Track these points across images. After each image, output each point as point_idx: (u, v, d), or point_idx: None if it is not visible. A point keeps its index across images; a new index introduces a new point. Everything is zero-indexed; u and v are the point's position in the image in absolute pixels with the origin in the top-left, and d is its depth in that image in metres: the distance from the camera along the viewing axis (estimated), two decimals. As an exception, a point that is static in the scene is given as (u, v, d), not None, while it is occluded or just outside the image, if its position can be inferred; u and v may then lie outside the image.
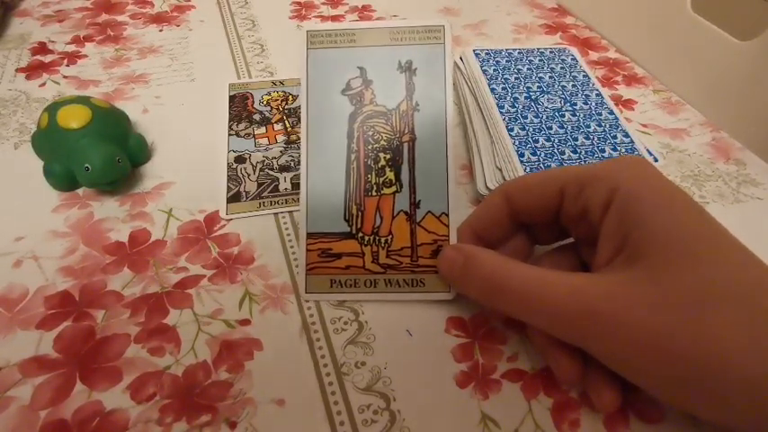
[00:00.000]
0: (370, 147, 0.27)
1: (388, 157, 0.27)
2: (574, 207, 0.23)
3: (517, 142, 0.32)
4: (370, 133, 0.27)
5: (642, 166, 0.22)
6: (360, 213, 0.27)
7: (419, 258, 0.26)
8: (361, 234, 0.27)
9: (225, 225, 0.30)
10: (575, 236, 0.25)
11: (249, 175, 0.33)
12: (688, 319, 0.18)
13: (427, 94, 0.27)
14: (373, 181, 0.27)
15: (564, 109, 0.35)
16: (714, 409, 0.18)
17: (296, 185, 0.32)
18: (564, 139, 0.33)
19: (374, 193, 0.27)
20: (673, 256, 0.19)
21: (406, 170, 0.27)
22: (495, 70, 0.38)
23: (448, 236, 0.26)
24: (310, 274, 0.27)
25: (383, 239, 0.27)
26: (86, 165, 0.29)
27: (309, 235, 0.27)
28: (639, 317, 0.18)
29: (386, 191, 0.27)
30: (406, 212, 0.27)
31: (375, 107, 0.28)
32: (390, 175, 0.27)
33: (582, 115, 0.34)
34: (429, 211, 0.27)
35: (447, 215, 0.26)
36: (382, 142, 0.27)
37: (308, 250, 0.27)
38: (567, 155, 0.32)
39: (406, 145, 0.27)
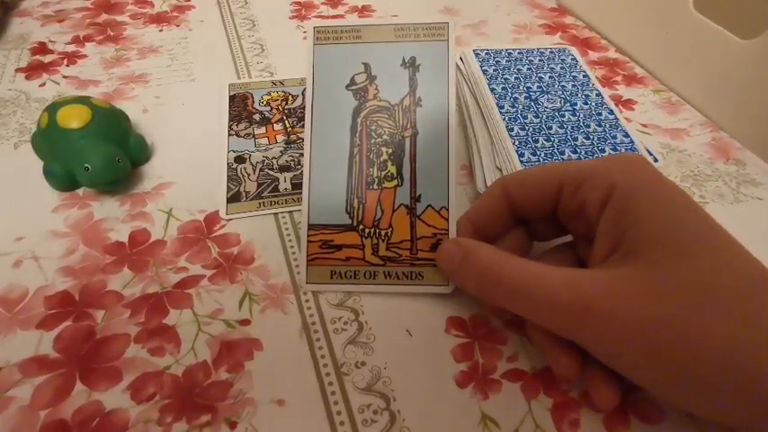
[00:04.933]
0: (372, 141, 0.27)
1: (390, 151, 0.27)
2: (571, 203, 0.23)
3: (517, 142, 0.32)
4: (373, 128, 0.28)
5: (639, 164, 0.22)
6: (361, 206, 0.27)
7: (418, 251, 0.26)
8: (361, 226, 0.27)
9: (225, 225, 0.30)
10: (572, 232, 0.25)
11: (249, 175, 0.33)
12: (683, 313, 0.18)
13: (430, 90, 0.28)
14: (375, 174, 0.27)
15: (564, 109, 0.35)
16: (709, 405, 0.18)
17: (296, 185, 0.32)
18: (564, 139, 0.33)
19: (375, 187, 0.27)
20: (668, 252, 0.19)
21: (407, 164, 0.27)
22: (495, 70, 0.38)
23: (447, 230, 0.26)
24: (311, 264, 0.27)
25: (383, 232, 0.27)
26: (86, 165, 0.29)
27: (311, 226, 0.27)
28: (634, 311, 0.19)
29: (387, 184, 0.27)
30: (406, 206, 0.27)
31: (378, 102, 0.28)
32: (392, 168, 0.27)
33: (582, 115, 0.34)
34: (429, 205, 0.27)
35: (447, 209, 0.26)
36: (385, 137, 0.27)
37: (309, 241, 0.27)
38: (566, 155, 0.32)
39: (408, 139, 0.27)
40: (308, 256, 0.27)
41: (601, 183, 0.22)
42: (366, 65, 0.28)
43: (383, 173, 0.27)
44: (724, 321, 0.18)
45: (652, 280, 0.19)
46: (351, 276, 0.27)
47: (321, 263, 0.27)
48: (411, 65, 0.28)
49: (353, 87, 0.28)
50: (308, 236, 0.27)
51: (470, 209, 0.26)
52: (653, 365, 0.19)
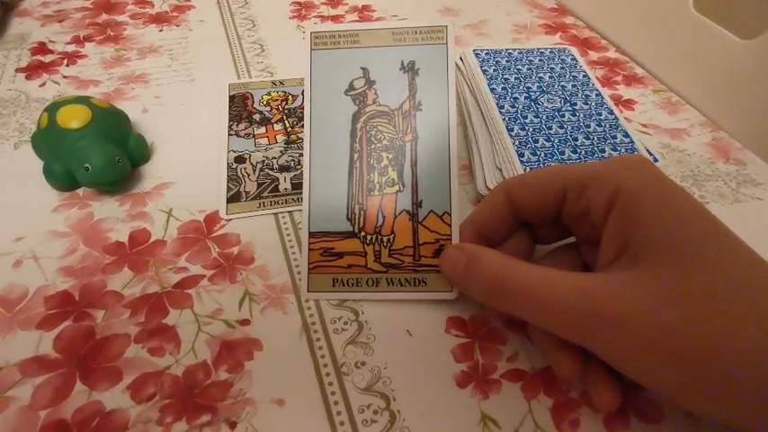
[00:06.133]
0: (372, 146, 0.27)
1: (390, 156, 0.27)
2: (576, 207, 0.23)
3: (517, 142, 0.32)
4: (373, 133, 0.27)
5: (644, 166, 0.22)
6: (362, 213, 0.27)
7: (421, 258, 0.26)
8: (363, 233, 0.27)
9: (225, 225, 0.30)
10: (576, 235, 0.25)
11: (249, 175, 0.33)
12: (693, 317, 0.18)
13: (430, 94, 0.27)
14: (375, 180, 0.27)
15: (564, 109, 0.35)
16: (719, 408, 0.18)
17: (296, 185, 0.32)
18: (564, 139, 0.33)
19: (376, 193, 0.27)
20: (676, 255, 0.19)
21: (408, 170, 0.27)
22: (495, 70, 0.38)
23: (450, 235, 0.26)
24: (312, 273, 0.27)
25: (385, 239, 0.27)
26: (86, 165, 0.29)
27: (312, 234, 0.27)
28: (644, 316, 0.18)
29: (388, 190, 0.27)
30: (408, 212, 0.27)
31: (378, 107, 0.28)
32: (393, 174, 0.27)
33: (582, 115, 0.34)
34: (431, 211, 0.27)
35: (449, 214, 0.26)
36: (385, 142, 0.27)
37: (310, 249, 0.27)
38: (567, 155, 0.32)
39: (408, 144, 0.27)
40: (309, 264, 0.27)
41: (605, 186, 0.22)
42: (364, 69, 0.28)
43: (384, 178, 0.27)
44: (734, 325, 0.17)
45: (661, 283, 0.19)
46: (353, 284, 0.26)
47: (323, 271, 0.27)
48: (410, 69, 0.28)
49: (352, 92, 0.28)
50: (309, 243, 0.27)
51: (473, 214, 0.26)
52: (665, 369, 0.18)
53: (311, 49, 0.28)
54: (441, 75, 0.28)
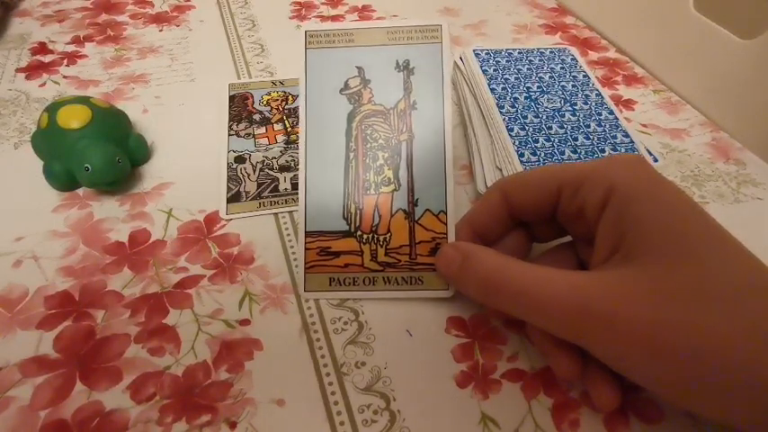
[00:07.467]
0: (368, 145, 0.27)
1: (386, 155, 0.27)
2: (570, 206, 0.23)
3: (517, 142, 0.32)
4: (369, 132, 0.27)
5: (638, 165, 0.22)
6: (358, 212, 0.27)
7: (417, 256, 0.26)
8: (359, 232, 0.27)
9: (225, 225, 0.30)
10: (572, 234, 0.25)
11: (249, 175, 0.33)
12: (684, 314, 0.18)
13: (425, 93, 0.28)
14: (371, 179, 0.27)
15: (564, 109, 0.35)
16: (713, 406, 0.18)
17: (296, 185, 0.32)
18: (564, 139, 0.33)
19: (372, 192, 0.27)
20: (669, 253, 0.19)
21: (404, 168, 0.27)
22: (495, 70, 0.38)
23: (446, 234, 0.26)
24: (309, 272, 0.27)
25: (381, 238, 0.27)
26: (86, 165, 0.29)
27: (308, 233, 0.27)
28: (636, 314, 0.18)
29: (384, 189, 0.27)
30: (404, 211, 0.27)
31: (373, 106, 0.28)
32: (388, 173, 0.27)
33: (582, 115, 0.34)
34: (427, 209, 0.27)
35: (445, 213, 0.26)
36: (380, 141, 0.27)
37: (306, 249, 0.27)
38: (566, 155, 0.32)
39: (404, 143, 0.27)
40: (305, 263, 0.27)
41: (599, 185, 0.22)
42: (360, 68, 0.28)
43: (380, 177, 0.27)
44: (725, 322, 0.17)
45: (654, 281, 0.19)
46: (350, 283, 0.26)
47: (319, 270, 0.27)
48: (405, 68, 0.28)
49: (347, 92, 0.28)
50: (306, 243, 0.27)
51: (469, 213, 0.26)
52: (656, 367, 0.18)
53: (306, 48, 0.28)
54: (436, 74, 0.28)
